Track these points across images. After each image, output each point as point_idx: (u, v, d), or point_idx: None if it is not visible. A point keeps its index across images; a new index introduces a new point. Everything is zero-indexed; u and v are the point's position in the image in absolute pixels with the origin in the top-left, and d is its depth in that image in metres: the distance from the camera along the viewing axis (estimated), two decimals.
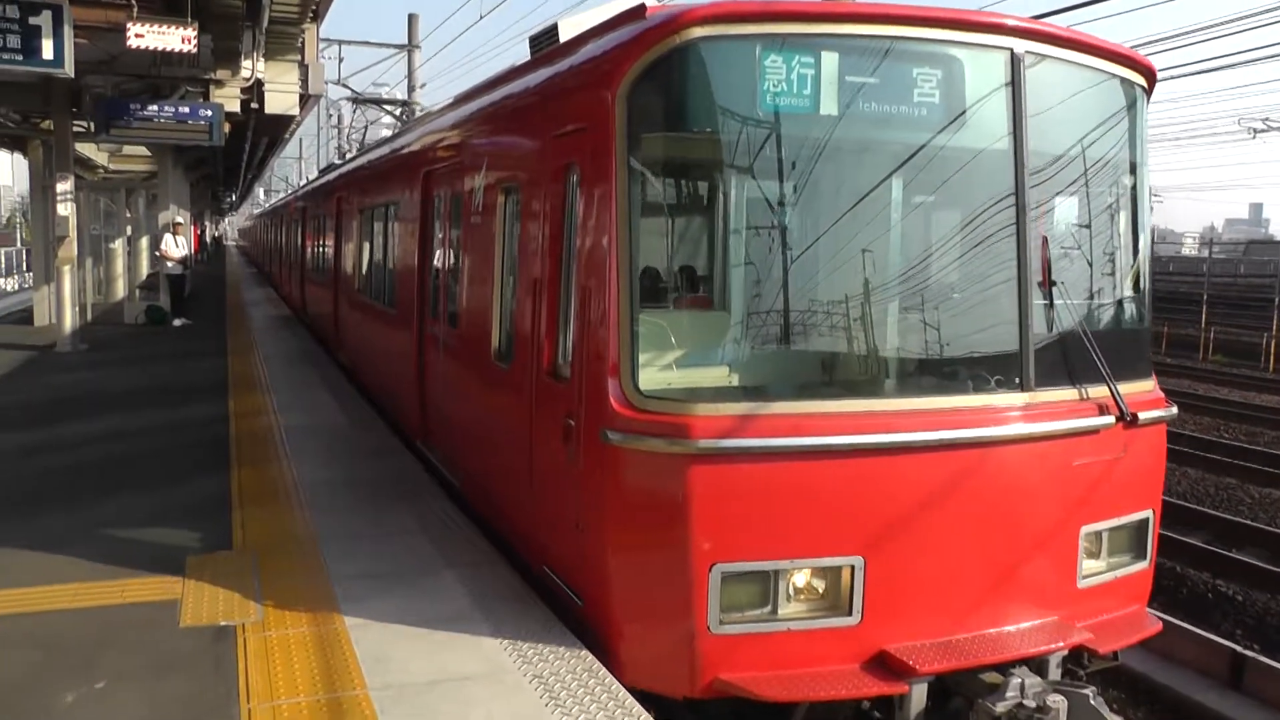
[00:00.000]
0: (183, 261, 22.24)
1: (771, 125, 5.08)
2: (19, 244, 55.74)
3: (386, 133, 23.67)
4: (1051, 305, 5.46)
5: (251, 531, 7.25)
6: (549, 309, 5.88)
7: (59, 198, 17.36)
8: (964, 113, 5.30)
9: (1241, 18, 17.11)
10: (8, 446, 9.91)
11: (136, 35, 14.14)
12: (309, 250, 21.89)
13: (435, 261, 9.45)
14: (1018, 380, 5.28)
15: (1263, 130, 37.46)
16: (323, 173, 25.22)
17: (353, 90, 29.86)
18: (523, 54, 8.90)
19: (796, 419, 4.95)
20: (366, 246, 13.77)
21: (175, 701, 4.74)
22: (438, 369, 8.94)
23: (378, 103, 28.74)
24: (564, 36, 6.76)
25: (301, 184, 35.92)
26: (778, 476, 4.90)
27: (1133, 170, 6.05)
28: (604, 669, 5.09)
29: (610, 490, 5.12)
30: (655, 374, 5.18)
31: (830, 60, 5.09)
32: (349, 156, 23.27)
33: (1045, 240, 5.50)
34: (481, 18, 23.91)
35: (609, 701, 4.76)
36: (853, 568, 4.98)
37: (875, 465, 4.99)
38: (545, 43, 7.09)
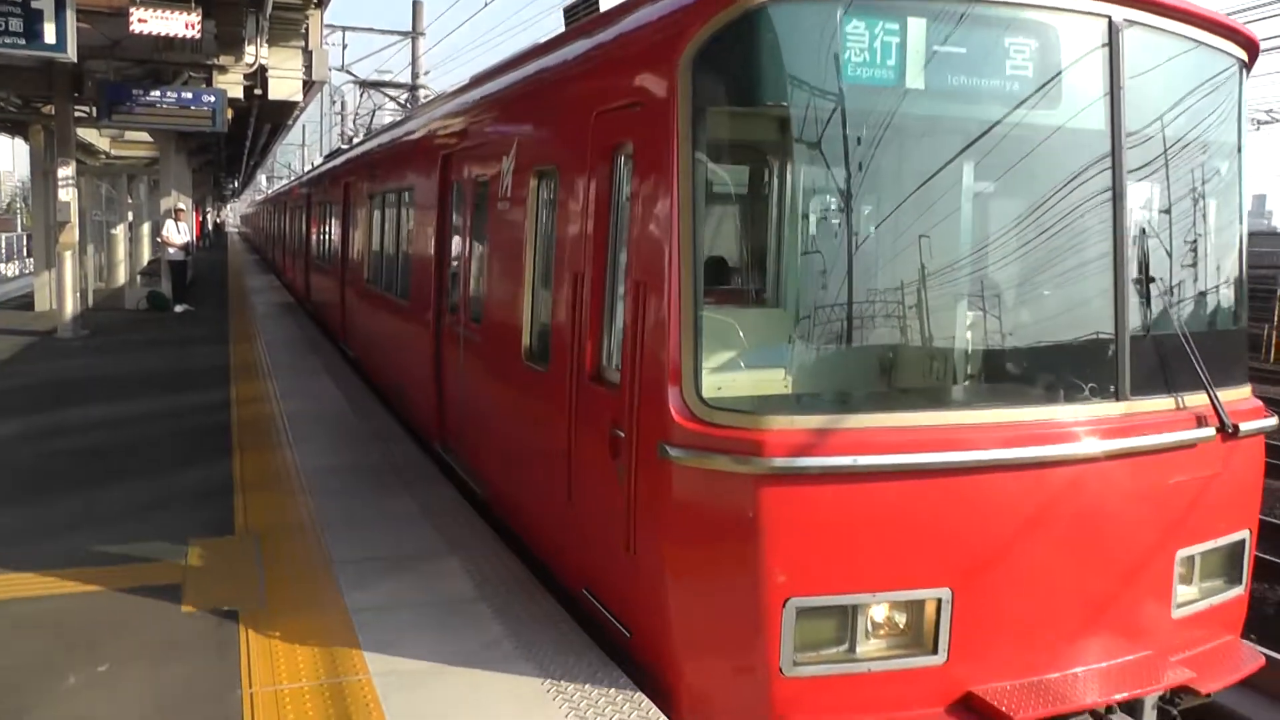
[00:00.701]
0: (185, 248, 22.21)
1: (851, 100, 4.52)
2: (20, 229, 55.71)
3: (391, 120, 23.49)
4: (1148, 303, 4.92)
5: (254, 517, 7.25)
6: (592, 306, 5.33)
7: (60, 183, 17.34)
8: (1058, 88, 4.78)
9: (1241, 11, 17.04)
10: (9, 432, 9.90)
11: (140, 20, 14.12)
12: (314, 238, 21.41)
13: (454, 252, 8.88)
14: (1112, 389, 4.79)
15: (1267, 122, 37.34)
16: (329, 157, 24.57)
17: (354, 76, 29.78)
18: (526, 42, 8.81)
19: (879, 434, 4.42)
20: (377, 235, 13.13)
21: (177, 685, 4.73)
22: (458, 368, 8.33)
23: (384, 86, 28.51)
24: (605, 4, 6.21)
25: (307, 169, 35.48)
26: (859, 499, 4.40)
27: (1233, 153, 5.48)
28: (639, 694, 4.73)
29: (669, 512, 4.59)
30: (720, 381, 4.70)
31: (917, 28, 4.56)
32: (357, 141, 22.59)
33: (1143, 230, 4.97)
34: (487, 4, 23.82)
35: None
36: (939, 601, 4.49)
37: (964, 485, 4.49)
38: (583, 11, 6.51)
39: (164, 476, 8.40)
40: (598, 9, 6.26)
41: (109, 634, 5.26)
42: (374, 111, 28.61)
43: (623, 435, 4.86)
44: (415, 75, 28.16)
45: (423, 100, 26.08)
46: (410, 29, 31.47)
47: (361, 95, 28.33)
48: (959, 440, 4.47)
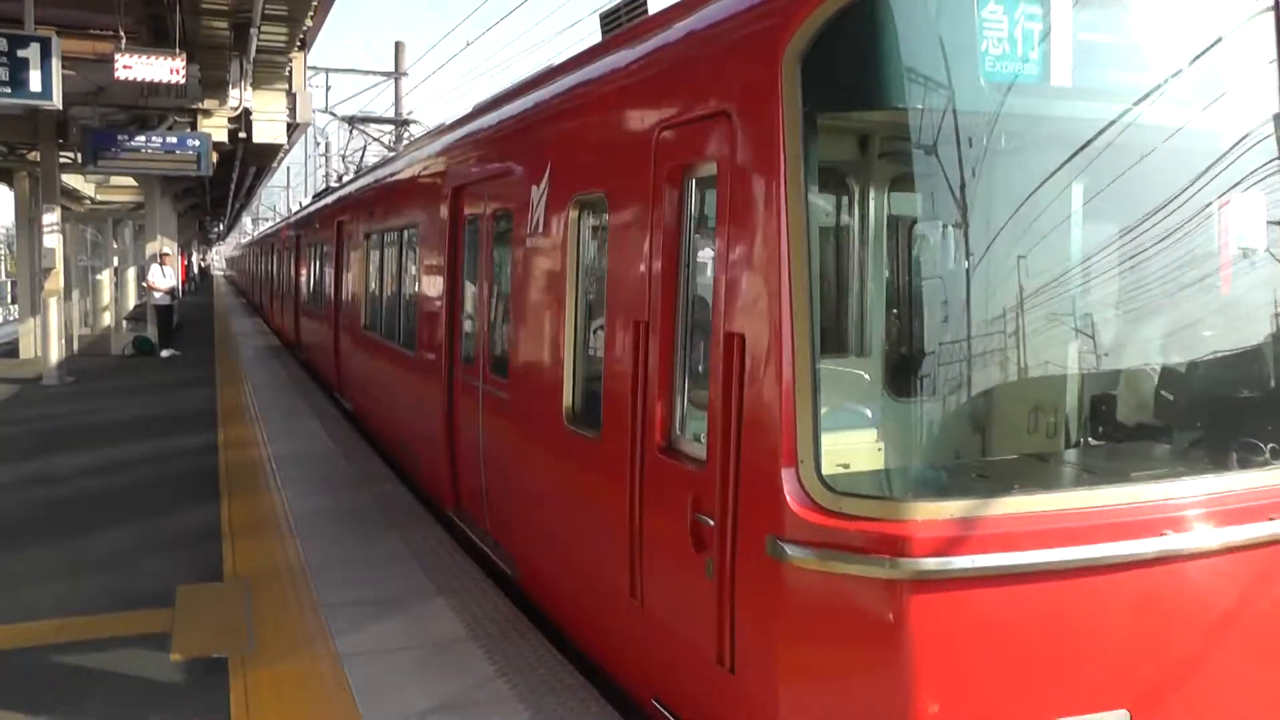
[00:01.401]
0: (170, 292, 22.19)
1: (991, 100, 3.77)
2: (4, 276, 55.57)
3: (386, 155, 23.33)
4: None
5: (242, 562, 7.20)
6: (661, 361, 4.47)
7: (45, 229, 17.36)
8: (1228, 85, 3.98)
9: None
10: None
11: (125, 66, 14.20)
12: (304, 281, 20.57)
13: (468, 295, 7.94)
14: None
15: None
16: (318, 196, 23.82)
17: (337, 116, 29.88)
18: (509, 81, 8.74)
19: (1051, 519, 3.57)
20: (375, 277, 12.26)
21: None
22: (476, 428, 7.33)
23: (373, 122, 28.37)
24: (655, 5, 5.45)
25: (294, 210, 34.84)
26: (1030, 604, 3.54)
27: None
28: None
29: (785, 624, 3.74)
30: (838, 455, 3.91)
31: (1063, 10, 3.79)
32: (347, 179, 21.77)
33: None
34: (469, 44, 24.06)
35: None
36: None
37: (1148, 580, 3.64)
38: (627, 14, 5.72)
39: (152, 522, 8.34)
40: (645, 11, 5.54)
41: (97, 684, 5.21)
42: (364, 149, 28.39)
43: (712, 524, 3.98)
44: (399, 115, 28.29)
45: (408, 138, 25.81)
46: (393, 70, 31.70)
47: (350, 133, 28.12)
48: (1152, 523, 3.61)
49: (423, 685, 5.13)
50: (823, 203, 4.44)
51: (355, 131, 27.93)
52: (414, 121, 27.52)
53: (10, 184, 23.38)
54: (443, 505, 8.32)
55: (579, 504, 5.48)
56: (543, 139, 6.37)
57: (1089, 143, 3.92)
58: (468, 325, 7.92)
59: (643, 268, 4.65)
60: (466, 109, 9.40)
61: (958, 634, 3.51)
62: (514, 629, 5.87)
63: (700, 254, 4.46)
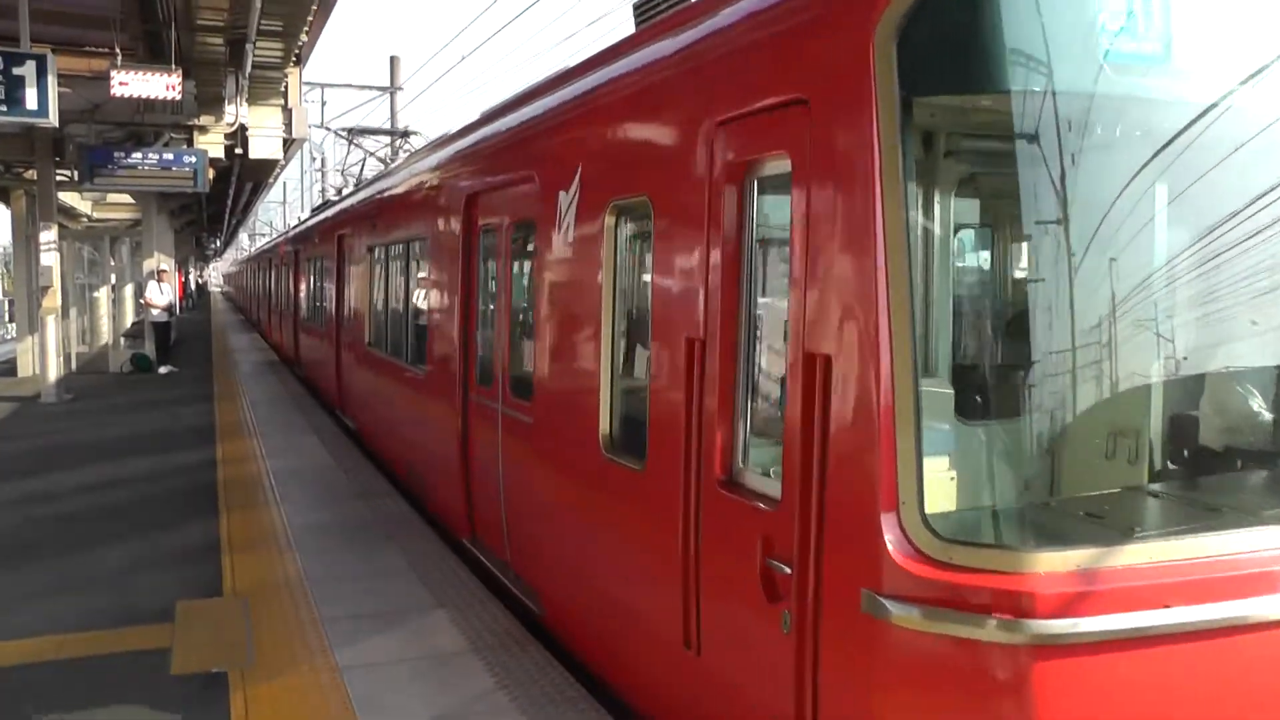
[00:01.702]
0: (168, 309, 22.20)
1: (1110, 83, 3.26)
2: (1, 294, 55.58)
3: (386, 166, 23.07)
4: None
5: (241, 577, 7.19)
6: (721, 384, 3.98)
7: (42, 247, 17.37)
8: None
9: None
10: None
11: (121, 83, 14.24)
12: (303, 296, 20.11)
13: (484, 312, 7.45)
14: None
15: None
16: (317, 210, 23.29)
17: (332, 130, 29.89)
18: (502, 95, 8.57)
19: (1182, 570, 3.07)
20: (379, 292, 11.71)
21: None
22: (494, 453, 6.83)
23: (373, 134, 28.17)
24: None
25: (293, 224, 34.38)
26: (1170, 669, 3.05)
27: None
28: None
29: (884, 689, 3.23)
30: (939, 493, 3.39)
31: None
32: (347, 191, 21.16)
33: None
34: (463, 58, 24.09)
35: None
36: None
37: None
38: (665, 2, 5.21)
39: (151, 538, 8.33)
40: None
41: (97, 700, 5.19)
42: (363, 161, 28.12)
43: (789, 571, 3.49)
44: (392, 140, 28.31)
45: (407, 150, 25.49)
46: (389, 84, 31.78)
47: (350, 146, 27.87)
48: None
49: (423, 698, 5.12)
50: (921, 200, 3.81)
51: (354, 145, 27.78)
52: (414, 133, 26.87)
53: (7, 202, 23.41)
54: (456, 534, 7.86)
55: (621, 541, 4.94)
56: (572, 141, 5.78)
57: (1228, 129, 3.38)
58: (483, 344, 7.42)
59: (696, 278, 4.14)
60: (474, 116, 8.86)
61: (1088, 706, 3.00)
62: (514, 641, 5.86)
63: (766, 262, 4.01)
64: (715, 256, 4.05)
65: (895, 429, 3.13)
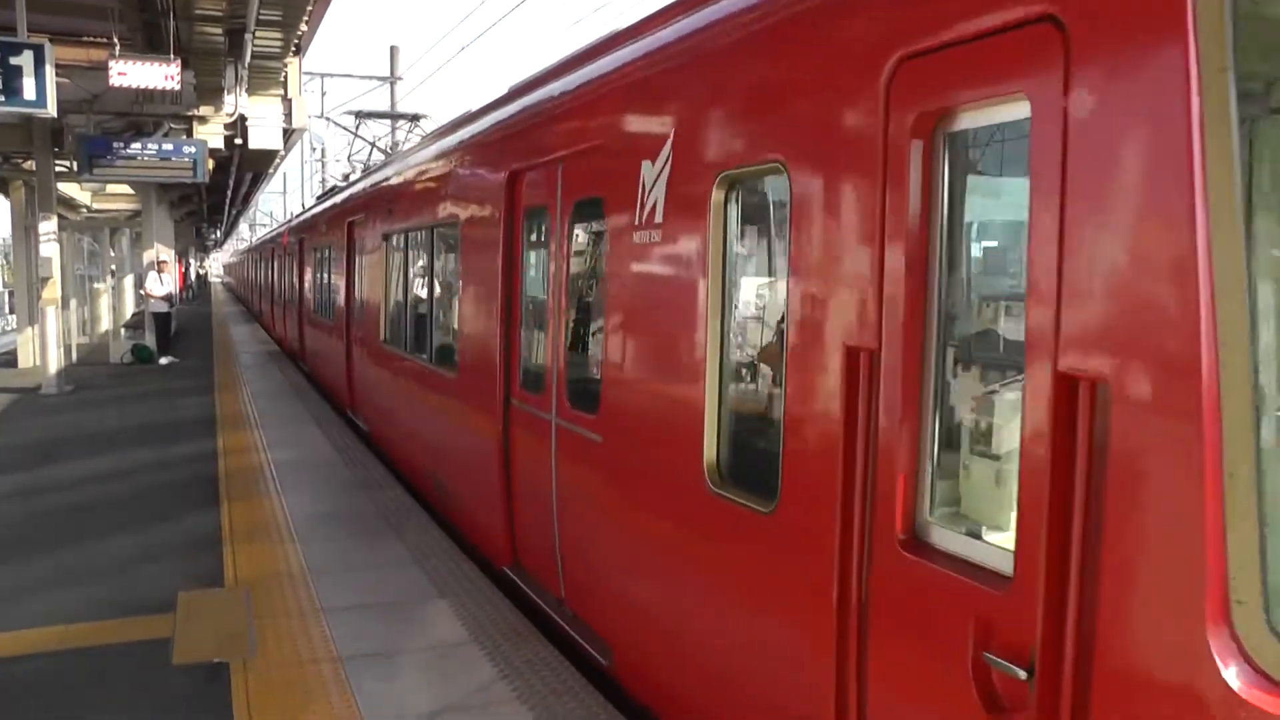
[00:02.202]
0: (167, 299, 22.18)
1: None
2: (1, 286, 55.56)
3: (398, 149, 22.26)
4: None
5: (243, 567, 7.18)
6: (904, 408, 3.06)
7: (42, 238, 17.35)
8: None
9: None
10: None
11: (120, 73, 14.20)
12: (309, 288, 19.22)
13: (531, 306, 6.59)
14: None
15: None
16: (323, 196, 22.14)
17: (330, 119, 29.82)
18: (503, 85, 8.16)
19: None
20: (397, 284, 10.88)
21: None
22: (546, 472, 5.95)
23: (385, 116, 27.79)
24: None
25: (297, 211, 33.39)
26: None
27: None
28: None
29: None
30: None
31: None
32: (354, 177, 19.70)
33: None
34: (463, 49, 24.07)
35: None
36: None
37: None
38: None
39: (152, 530, 8.32)
40: None
41: (100, 690, 5.19)
42: (371, 147, 27.64)
43: (1024, 677, 2.60)
44: (393, 124, 28.27)
45: (416, 133, 24.77)
46: (389, 74, 31.73)
47: (356, 130, 27.45)
48: None
49: (425, 688, 5.11)
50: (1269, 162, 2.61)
51: (358, 135, 27.47)
52: (423, 117, 25.93)
53: (6, 193, 23.40)
54: (495, 561, 7.01)
55: (738, 599, 4.00)
56: (660, 99, 4.74)
57: None
58: (529, 343, 6.52)
59: (862, 270, 3.21)
60: (520, 80, 7.63)
61: None
62: (516, 633, 5.85)
63: (968, 246, 3.18)
64: (895, 237, 3.08)
65: (1227, 496, 2.16)
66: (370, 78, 32.12)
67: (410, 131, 25.29)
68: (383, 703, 4.95)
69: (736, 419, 4.23)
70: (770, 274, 4.23)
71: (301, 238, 20.94)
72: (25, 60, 12.47)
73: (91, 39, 16.15)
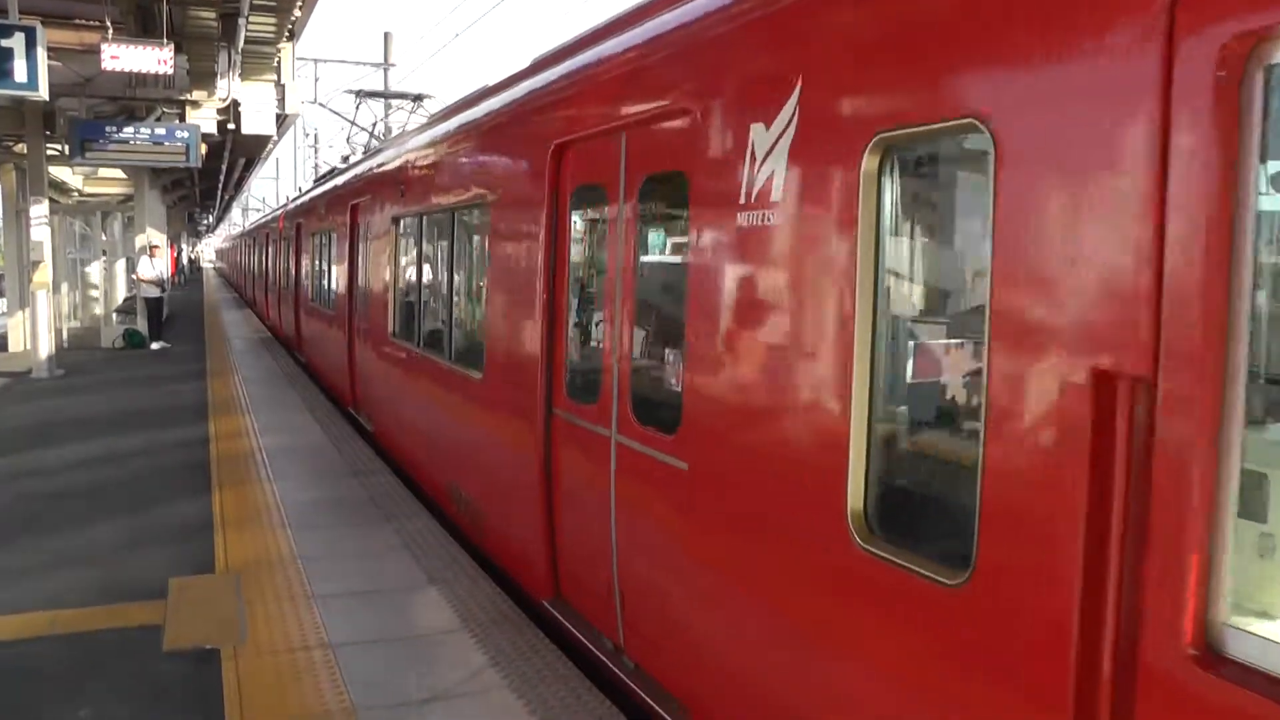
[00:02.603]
0: (159, 283, 22.11)
1: None
2: None
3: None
4: None
5: (234, 553, 7.19)
6: (1199, 469, 2.22)
7: (33, 222, 17.26)
8: None
9: None
10: None
11: (112, 57, 14.10)
12: (307, 276, 18.29)
13: (580, 298, 5.74)
14: None
15: None
16: (323, 178, 20.88)
17: (324, 105, 29.68)
18: (499, 72, 7.91)
19: None
20: (409, 273, 9.90)
21: None
22: (602, 496, 5.13)
23: (388, 96, 27.17)
24: None
25: (294, 195, 32.26)
26: None
27: None
28: None
29: None
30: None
31: None
32: (354, 159, 18.41)
33: None
34: (457, 35, 23.97)
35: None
36: None
37: None
38: None
39: (143, 515, 8.32)
40: None
41: (90, 676, 5.19)
42: (375, 124, 26.88)
43: None
44: (387, 106, 28.14)
45: (419, 113, 23.92)
46: (382, 60, 31.61)
47: (358, 106, 26.92)
48: None
49: (415, 675, 5.13)
50: None
51: (360, 110, 26.89)
52: (428, 96, 24.24)
53: None
54: (532, 592, 6.21)
55: (893, 692, 3.09)
56: (784, 45, 3.76)
57: None
58: (579, 344, 5.70)
59: (1123, 259, 2.36)
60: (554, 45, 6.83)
61: None
62: (506, 620, 5.87)
63: None
64: (1179, 223, 2.23)
65: None
66: (364, 64, 32.01)
67: (413, 112, 24.50)
68: (373, 690, 4.97)
69: (894, 461, 3.37)
70: (958, 263, 3.37)
71: (299, 222, 20.14)
72: (16, 42, 12.39)
73: (84, 22, 16.05)
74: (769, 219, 3.75)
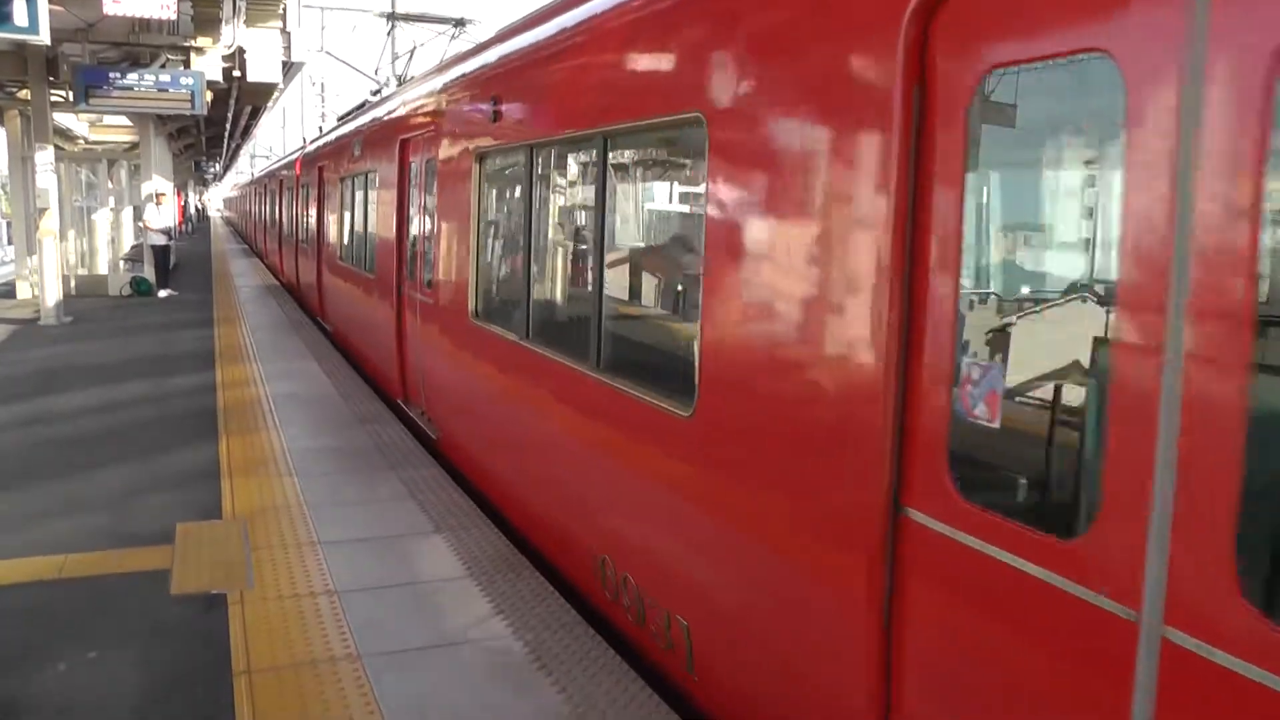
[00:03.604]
0: (166, 232, 22.08)
1: None
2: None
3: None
4: None
5: (241, 500, 7.23)
6: None
7: (39, 169, 17.20)
8: None
9: None
10: None
11: (114, 1, 13.94)
12: (333, 229, 15.77)
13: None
14: None
15: None
16: (352, 113, 17.66)
17: (325, 55, 29.29)
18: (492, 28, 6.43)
19: None
20: (503, 232, 7.47)
21: (168, 669, 4.73)
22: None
23: (424, 20, 25.42)
24: None
25: (319, 134, 29.02)
26: None
27: None
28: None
29: None
30: None
31: None
32: (385, 94, 15.40)
33: None
34: None
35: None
36: None
37: None
38: None
39: (151, 461, 8.37)
40: None
41: (98, 619, 5.25)
42: (412, 52, 24.02)
43: None
44: (395, 57, 27.83)
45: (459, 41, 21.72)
46: (389, 9, 31.22)
47: (390, 30, 25.53)
48: None
49: (419, 622, 5.17)
50: None
51: (395, 27, 25.71)
52: (470, 21, 20.67)
53: (1, 122, 23.14)
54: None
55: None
56: None
57: None
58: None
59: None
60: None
61: None
62: (510, 567, 5.91)
63: None
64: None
65: None
66: (369, 11, 31.62)
67: (455, 38, 21.90)
68: (378, 636, 5.01)
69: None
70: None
71: (321, 165, 17.47)
72: None
73: None
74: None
